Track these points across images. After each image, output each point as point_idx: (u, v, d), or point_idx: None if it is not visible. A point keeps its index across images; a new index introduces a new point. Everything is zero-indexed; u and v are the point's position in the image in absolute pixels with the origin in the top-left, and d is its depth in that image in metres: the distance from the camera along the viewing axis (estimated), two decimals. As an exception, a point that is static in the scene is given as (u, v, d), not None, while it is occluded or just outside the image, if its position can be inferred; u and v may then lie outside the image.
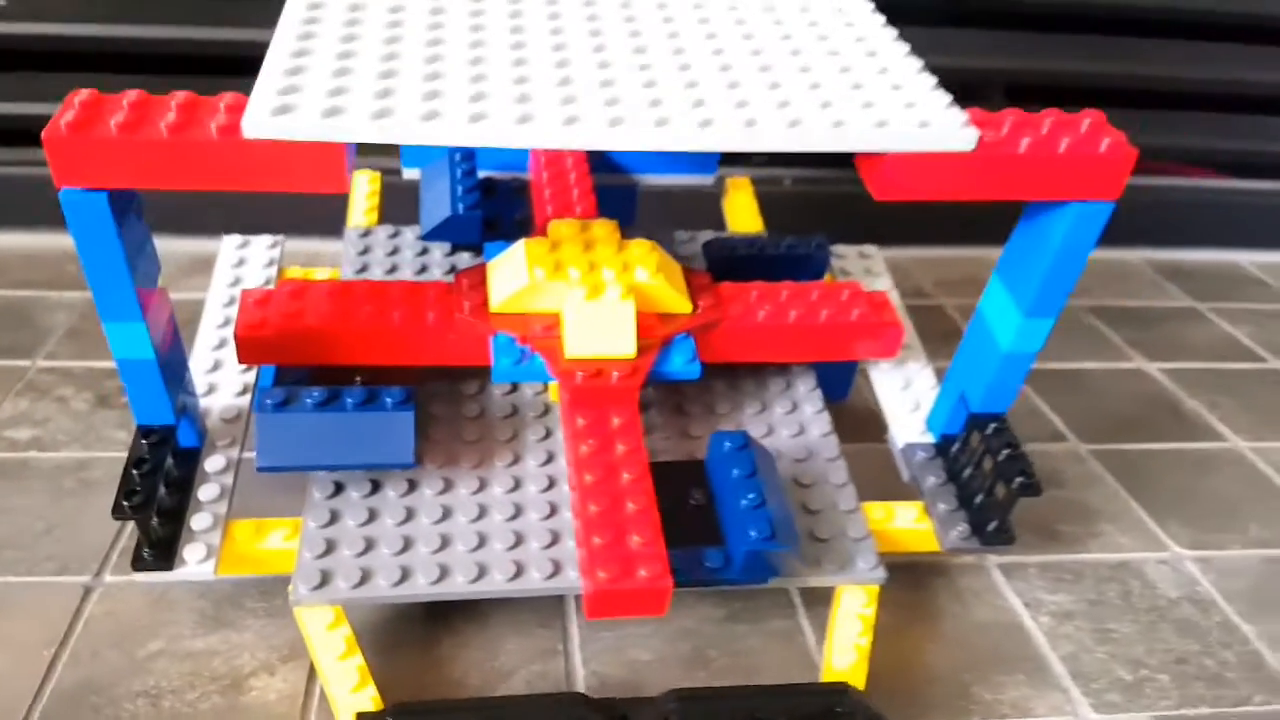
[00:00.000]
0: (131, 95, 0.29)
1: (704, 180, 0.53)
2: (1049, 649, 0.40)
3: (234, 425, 0.40)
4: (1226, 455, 0.55)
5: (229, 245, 0.47)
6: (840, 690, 0.33)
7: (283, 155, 0.28)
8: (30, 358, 0.54)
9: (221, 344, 0.43)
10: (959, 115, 0.32)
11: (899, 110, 0.32)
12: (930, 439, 0.43)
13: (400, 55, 0.32)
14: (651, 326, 0.39)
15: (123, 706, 0.35)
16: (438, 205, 0.45)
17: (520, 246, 0.39)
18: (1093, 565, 0.45)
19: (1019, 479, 0.38)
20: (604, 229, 0.41)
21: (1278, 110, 0.82)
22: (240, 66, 0.63)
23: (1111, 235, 0.80)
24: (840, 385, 0.51)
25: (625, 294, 0.37)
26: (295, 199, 0.53)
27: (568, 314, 0.37)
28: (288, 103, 0.28)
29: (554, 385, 0.42)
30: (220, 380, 0.41)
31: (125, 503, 0.33)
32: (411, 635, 0.39)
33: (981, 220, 0.58)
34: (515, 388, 0.43)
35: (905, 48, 0.36)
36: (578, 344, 0.37)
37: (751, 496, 0.35)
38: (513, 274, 0.39)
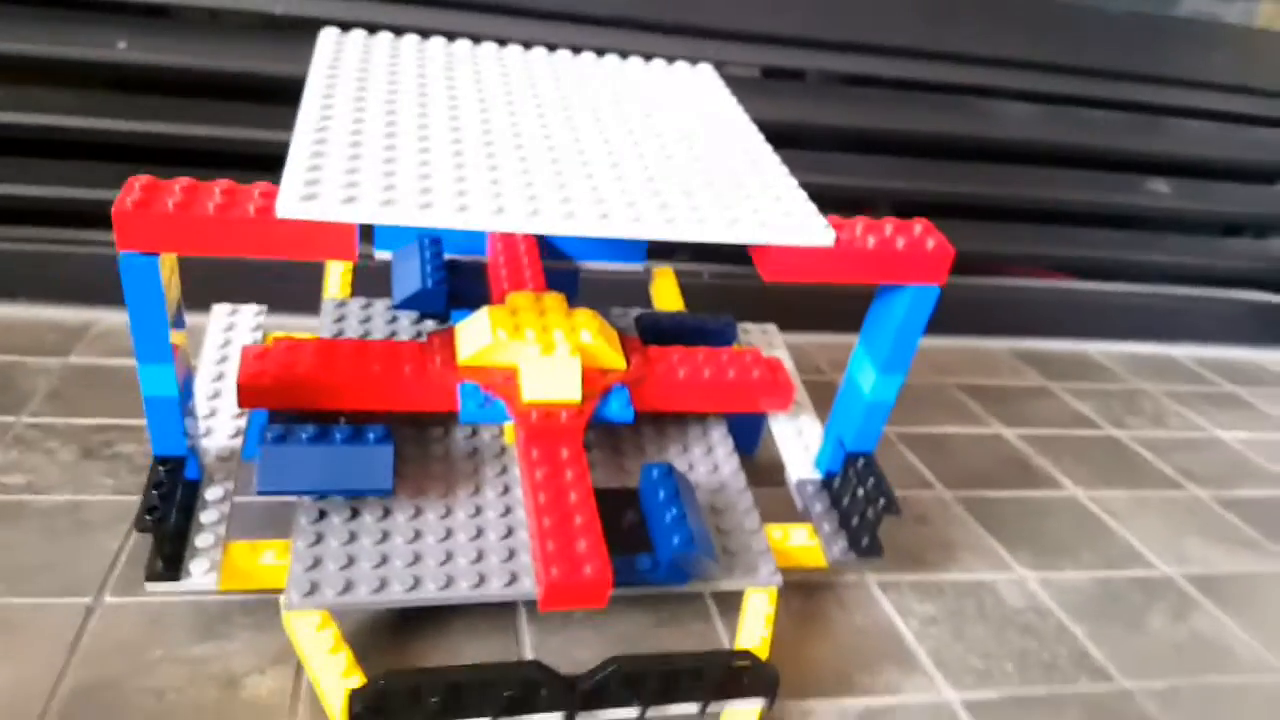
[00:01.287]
0: (183, 181, 0.37)
1: (635, 268, 0.62)
2: (916, 645, 0.49)
3: (228, 463, 0.46)
4: (1066, 501, 0.65)
5: (220, 312, 0.54)
6: (745, 654, 0.41)
7: (306, 232, 0.36)
8: (15, 414, 0.59)
9: (215, 395, 0.49)
10: (821, 220, 0.42)
11: (778, 215, 0.42)
12: (818, 475, 0.52)
13: (397, 149, 0.40)
14: (594, 379, 0.47)
15: (130, 701, 0.40)
16: (409, 279, 0.53)
17: (484, 312, 0.47)
18: (953, 583, 0.54)
19: (882, 500, 0.47)
20: (554, 300, 0.49)
21: (1115, 225, 0.98)
22: (249, 161, 0.71)
23: (977, 326, 0.93)
24: (750, 440, 0.60)
25: (573, 351, 0.46)
26: (272, 277, 0.60)
27: (524, 366, 0.46)
28: (312, 192, 0.36)
29: (509, 429, 0.50)
30: (215, 425, 0.48)
31: (147, 516, 0.39)
32: (382, 643, 0.45)
33: (864, 309, 0.69)
34: (475, 433, 0.50)
35: (784, 169, 0.46)
36: (533, 390, 0.45)
37: (674, 512, 0.43)
38: (478, 334, 0.47)
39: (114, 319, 0.72)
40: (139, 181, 0.37)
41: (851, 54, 0.83)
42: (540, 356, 0.45)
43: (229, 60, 0.72)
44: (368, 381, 0.46)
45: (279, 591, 0.43)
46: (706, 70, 0.59)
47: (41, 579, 0.46)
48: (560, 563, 0.40)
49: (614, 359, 0.48)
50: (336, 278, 0.58)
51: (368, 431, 0.43)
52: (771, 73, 0.86)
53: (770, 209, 0.42)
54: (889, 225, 0.43)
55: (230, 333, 0.53)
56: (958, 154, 0.89)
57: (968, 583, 0.55)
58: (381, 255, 0.58)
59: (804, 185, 0.45)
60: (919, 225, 0.44)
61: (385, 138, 0.42)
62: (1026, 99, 0.89)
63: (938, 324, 0.92)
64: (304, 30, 0.72)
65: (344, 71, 0.48)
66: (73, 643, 0.43)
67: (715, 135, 0.49)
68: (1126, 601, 0.55)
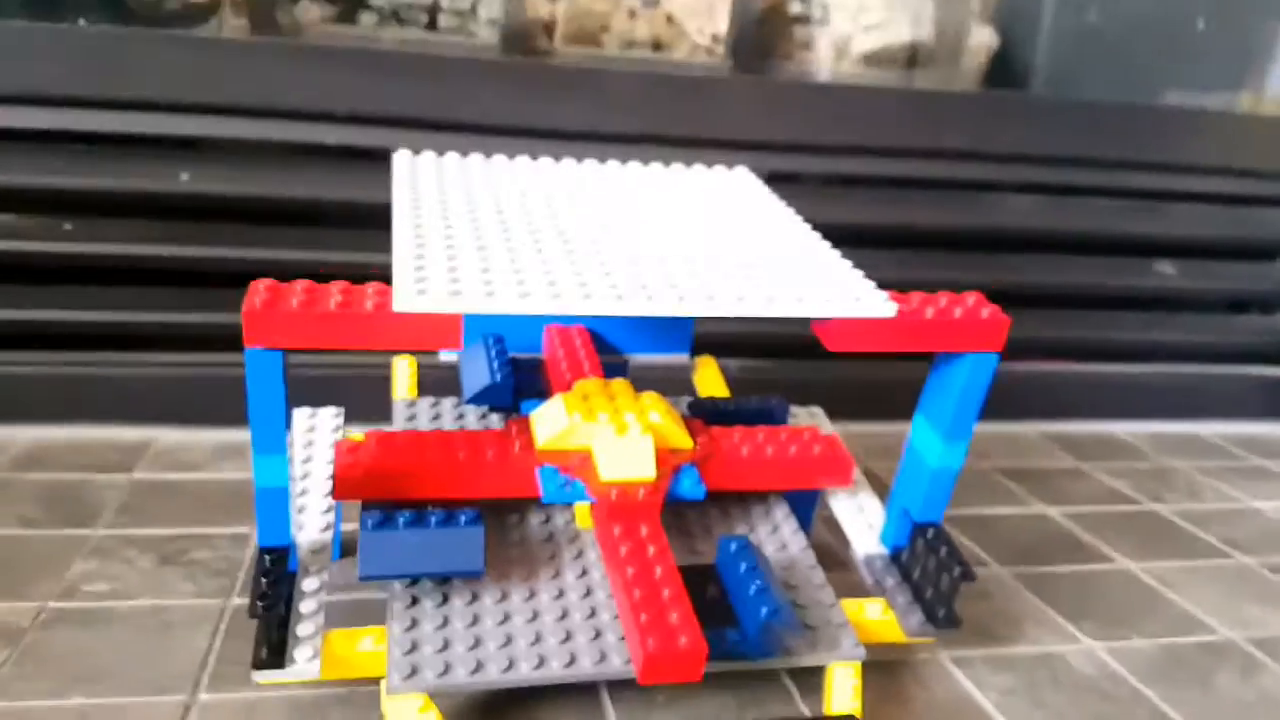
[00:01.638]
0: (303, 283, 0.40)
1: (681, 359, 0.65)
2: (998, 714, 0.49)
3: (321, 555, 0.48)
4: (1119, 574, 0.66)
5: (301, 415, 0.56)
6: (848, 714, 0.41)
7: (418, 323, 0.39)
8: (92, 528, 0.60)
9: (302, 492, 0.51)
10: (882, 294, 0.45)
11: (841, 291, 0.44)
12: (884, 550, 0.53)
13: (487, 249, 0.44)
14: (665, 458, 0.49)
15: (237, 794, 0.41)
16: (478, 375, 0.55)
17: (558, 398, 0.50)
18: (1024, 656, 0.55)
19: (957, 569, 0.48)
20: (622, 385, 0.52)
21: (1125, 307, 1.01)
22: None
23: (1007, 411, 0.95)
24: (803, 523, 0.61)
25: (645, 430, 0.48)
26: (336, 388, 0.63)
27: (600, 446, 0.48)
28: (423, 288, 0.39)
29: (582, 513, 0.52)
30: (304, 520, 0.49)
31: (259, 603, 0.40)
32: (473, 730, 0.46)
33: (890, 399, 0.72)
34: (549, 519, 0.52)
35: (835, 251, 0.49)
36: (610, 469, 0.47)
37: (758, 583, 0.45)
38: (554, 418, 0.49)
39: (171, 436, 0.74)
40: (263, 284, 0.40)
41: (848, 156, 0.88)
42: (615, 436, 0.48)
43: (286, 188, 0.76)
44: (455, 469, 0.48)
45: (375, 680, 0.44)
46: (743, 171, 0.63)
47: (134, 677, 0.47)
48: (655, 634, 0.41)
49: (682, 439, 0.50)
50: (404, 380, 0.60)
51: (459, 515, 0.45)
52: (774, 176, 0.91)
53: (832, 285, 0.45)
54: (944, 298, 0.46)
55: (312, 434, 0.55)
56: (964, 245, 0.93)
57: (1038, 655, 0.55)
58: (446, 358, 0.61)
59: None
60: (972, 297, 0.47)
61: (475, 239, 0.45)
62: (1027, 190, 0.94)
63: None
64: (346, 158, 0.78)
65: (423, 187, 0.52)
66: (174, 739, 0.43)
67: (766, 226, 0.52)
68: (1194, 666, 0.56)
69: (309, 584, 0.46)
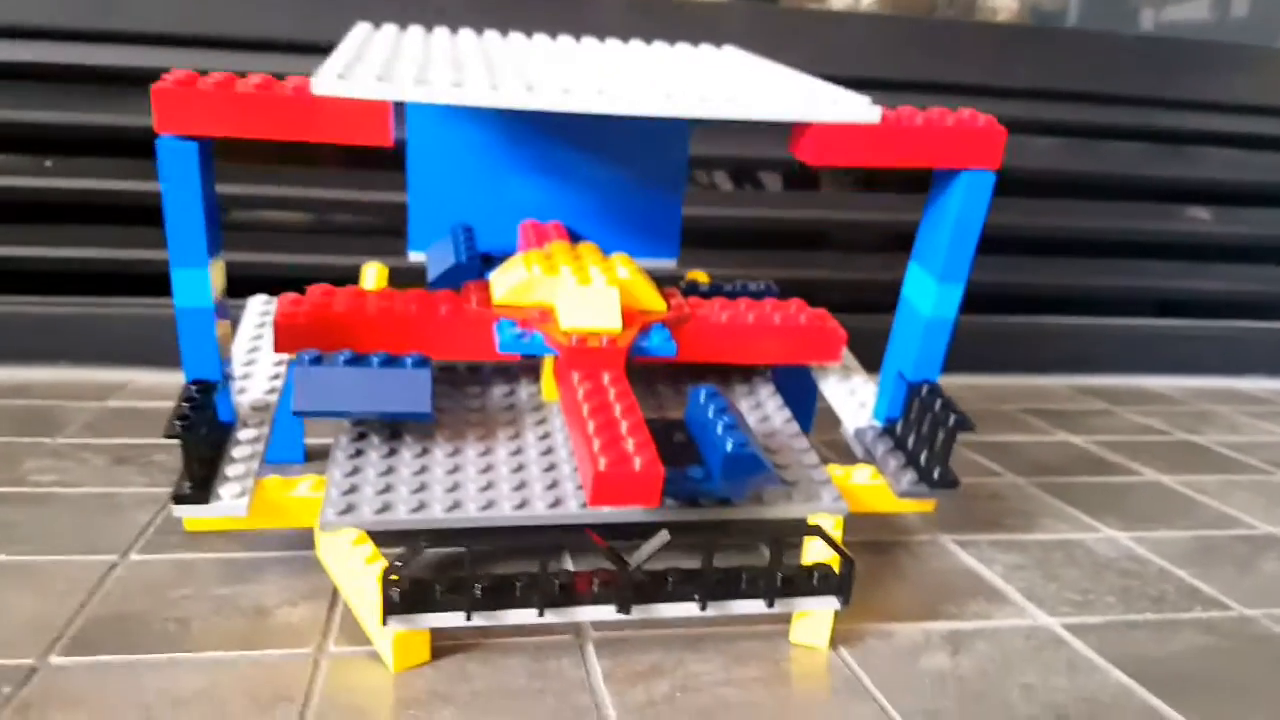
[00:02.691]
0: (218, 74, 0.37)
1: (669, 264, 0.62)
2: (1004, 584, 0.44)
3: (263, 413, 0.45)
4: (1149, 484, 0.61)
5: (256, 301, 0.54)
6: (816, 528, 0.37)
7: (342, 111, 0.36)
8: (52, 437, 0.58)
9: (250, 361, 0.48)
10: (866, 99, 0.41)
11: (821, 96, 0.41)
12: (878, 424, 0.49)
13: (431, 56, 0.41)
14: (633, 316, 0.45)
15: (152, 629, 0.37)
16: (444, 259, 0.53)
17: (519, 256, 0.47)
18: (1038, 542, 0.50)
19: (953, 418, 0.44)
20: (589, 247, 0.49)
21: (1156, 255, 0.96)
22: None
23: (1033, 364, 0.90)
24: (802, 422, 0.57)
25: (610, 282, 0.45)
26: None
27: (561, 296, 0.44)
28: (347, 72, 0.37)
29: (549, 385, 0.48)
30: (249, 386, 0.47)
31: (177, 422, 0.37)
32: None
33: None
34: (513, 391, 0.49)
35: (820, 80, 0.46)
36: (570, 319, 0.44)
37: (726, 420, 0.41)
38: (513, 273, 0.46)
39: (149, 378, 0.72)
40: (175, 73, 0.37)
41: (861, 89, 0.85)
42: (577, 286, 0.44)
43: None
44: (404, 322, 0.45)
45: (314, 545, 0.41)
46: (731, 48, 0.60)
47: (70, 542, 0.44)
48: (608, 454, 0.37)
49: (653, 300, 0.47)
50: (372, 278, 0.58)
51: (405, 359, 0.42)
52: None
53: (812, 92, 0.42)
54: (936, 110, 0.43)
55: (266, 317, 0.53)
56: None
57: (1053, 540, 0.50)
58: (416, 257, 0.58)
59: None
60: (967, 111, 0.43)
61: (421, 45, 0.43)
62: (1046, 131, 0.90)
63: (992, 361, 0.91)
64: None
65: (383, 30, 0.50)
66: (96, 585, 0.40)
67: (750, 63, 0.49)
68: (1232, 552, 0.50)
69: (245, 434, 0.43)
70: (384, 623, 0.34)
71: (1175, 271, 0.95)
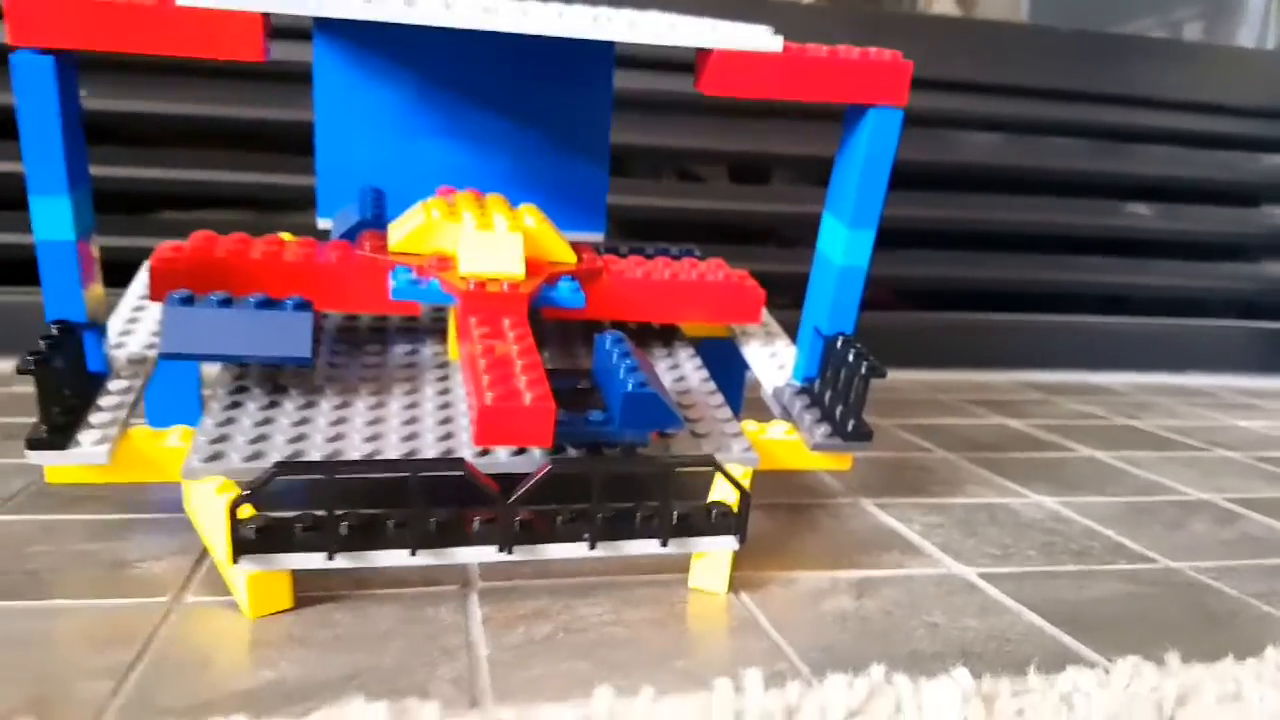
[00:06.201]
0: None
1: (596, 237, 0.60)
2: (922, 539, 0.42)
3: (138, 366, 0.42)
4: (1083, 459, 0.59)
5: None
6: (710, 458, 0.35)
7: (208, 22, 0.34)
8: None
9: (134, 320, 0.46)
10: (770, 28, 0.40)
11: (722, 26, 0.40)
12: (796, 383, 0.47)
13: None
14: (539, 266, 0.44)
15: (-2, 582, 0.34)
16: (349, 220, 0.51)
17: (419, 203, 0.45)
18: (961, 505, 0.48)
19: (864, 365, 0.42)
20: (497, 198, 0.47)
21: (1100, 251, 0.96)
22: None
23: (982, 360, 0.89)
24: (731, 402, 0.55)
25: (513, 227, 0.43)
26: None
27: (462, 240, 0.42)
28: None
29: (454, 347, 0.46)
30: (129, 341, 0.44)
31: (30, 356, 0.35)
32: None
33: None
34: (416, 349, 0.46)
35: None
36: (470, 263, 0.42)
37: (628, 363, 0.38)
38: (412, 220, 0.44)
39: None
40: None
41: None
42: (478, 230, 0.42)
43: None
44: (290, 267, 0.42)
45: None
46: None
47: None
48: (497, 389, 0.35)
49: (562, 251, 0.45)
50: (280, 243, 0.56)
51: (285, 302, 0.40)
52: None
53: (714, 23, 0.40)
54: (843, 47, 0.41)
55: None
56: (923, 183, 0.88)
57: (976, 504, 0.48)
58: (324, 224, 0.56)
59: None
60: (874, 50, 0.42)
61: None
62: (989, 127, 0.90)
63: (938, 357, 0.90)
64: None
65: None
66: (-59, 543, 0.37)
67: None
68: (1162, 515, 0.49)
69: (116, 385, 0.40)
70: (234, 560, 0.31)
71: (1118, 267, 0.95)
